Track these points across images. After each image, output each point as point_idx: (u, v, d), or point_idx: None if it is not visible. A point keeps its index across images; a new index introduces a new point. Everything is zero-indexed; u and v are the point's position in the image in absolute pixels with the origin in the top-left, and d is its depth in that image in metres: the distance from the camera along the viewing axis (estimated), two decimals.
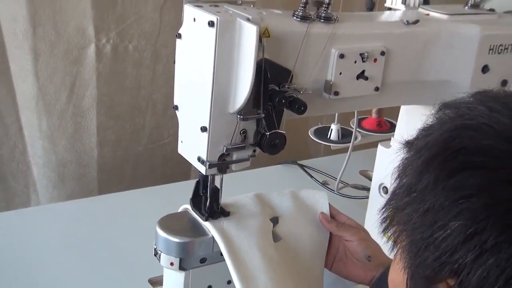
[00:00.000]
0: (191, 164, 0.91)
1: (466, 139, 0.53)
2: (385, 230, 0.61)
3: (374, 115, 1.69)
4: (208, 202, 0.92)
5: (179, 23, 0.86)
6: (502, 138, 0.51)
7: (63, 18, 1.57)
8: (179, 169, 1.80)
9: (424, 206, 0.53)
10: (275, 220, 0.99)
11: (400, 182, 0.58)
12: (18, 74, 1.60)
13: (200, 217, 0.93)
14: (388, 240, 0.62)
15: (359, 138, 1.59)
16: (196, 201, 0.95)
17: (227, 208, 0.95)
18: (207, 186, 0.92)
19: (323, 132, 1.71)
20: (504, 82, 1.06)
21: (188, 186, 0.96)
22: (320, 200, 1.04)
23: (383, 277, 0.92)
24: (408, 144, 0.60)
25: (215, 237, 0.91)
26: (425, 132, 0.59)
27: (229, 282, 0.95)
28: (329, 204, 1.03)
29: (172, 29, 1.69)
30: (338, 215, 1.02)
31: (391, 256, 0.66)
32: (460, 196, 0.50)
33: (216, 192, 0.93)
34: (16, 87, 1.61)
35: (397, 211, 0.58)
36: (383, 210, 0.61)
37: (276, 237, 0.97)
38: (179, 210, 0.99)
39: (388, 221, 0.60)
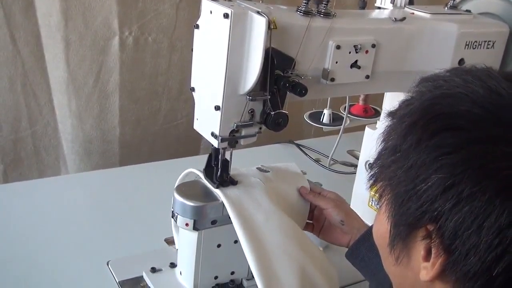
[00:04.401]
0: (200, 141, 0.91)
1: (445, 105, 0.53)
2: (372, 186, 0.61)
3: (361, 102, 1.69)
4: (219, 172, 0.92)
5: (193, 19, 0.86)
6: (477, 105, 0.52)
7: (91, 13, 1.56)
8: (190, 146, 1.79)
9: (408, 163, 0.53)
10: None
11: (385, 144, 0.59)
12: (51, 61, 1.59)
13: (212, 185, 0.93)
14: (375, 195, 0.62)
15: (348, 122, 1.59)
16: (209, 171, 0.95)
17: (235, 178, 0.95)
18: (219, 158, 0.92)
19: (316, 116, 1.71)
20: None
21: (197, 160, 0.97)
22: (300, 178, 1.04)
23: (361, 245, 0.94)
24: (391, 114, 0.60)
25: (224, 203, 0.91)
26: (407, 102, 0.59)
27: (236, 241, 0.95)
28: (308, 180, 1.04)
29: (186, 24, 1.68)
30: (315, 188, 1.03)
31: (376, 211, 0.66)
32: (440, 153, 0.51)
33: (226, 164, 0.93)
34: (50, 72, 1.61)
35: (382, 169, 0.59)
36: (370, 168, 0.61)
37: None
38: (184, 172, 1.00)
39: (374, 178, 0.61)
